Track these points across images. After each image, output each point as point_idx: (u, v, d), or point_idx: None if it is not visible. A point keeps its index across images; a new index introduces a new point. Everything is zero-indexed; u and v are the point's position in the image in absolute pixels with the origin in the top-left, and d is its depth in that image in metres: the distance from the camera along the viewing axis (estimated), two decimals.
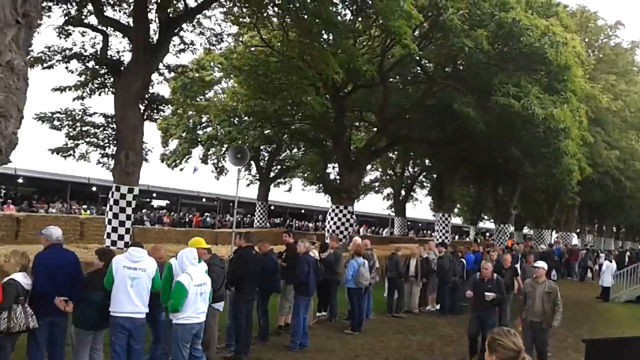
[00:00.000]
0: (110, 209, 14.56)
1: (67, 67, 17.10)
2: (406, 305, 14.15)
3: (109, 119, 17.37)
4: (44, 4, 14.47)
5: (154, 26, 15.79)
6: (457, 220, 51.72)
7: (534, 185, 30.42)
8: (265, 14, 18.51)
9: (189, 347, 6.71)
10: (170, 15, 15.83)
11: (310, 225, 48.02)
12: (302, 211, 53.01)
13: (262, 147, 32.20)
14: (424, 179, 43.04)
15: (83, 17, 16.30)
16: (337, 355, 9.46)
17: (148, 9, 15.23)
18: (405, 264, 14.20)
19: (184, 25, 17.37)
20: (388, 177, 42.15)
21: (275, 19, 19.27)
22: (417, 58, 20.04)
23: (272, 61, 20.20)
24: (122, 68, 15.78)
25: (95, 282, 6.58)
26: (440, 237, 27.73)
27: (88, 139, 17.74)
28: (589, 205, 41.06)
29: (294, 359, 9.09)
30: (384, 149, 27.15)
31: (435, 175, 35.02)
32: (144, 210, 35.80)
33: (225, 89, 28.11)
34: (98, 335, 6.66)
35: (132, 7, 15.88)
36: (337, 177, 26.73)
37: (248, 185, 37.95)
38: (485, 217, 50.82)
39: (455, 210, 44.30)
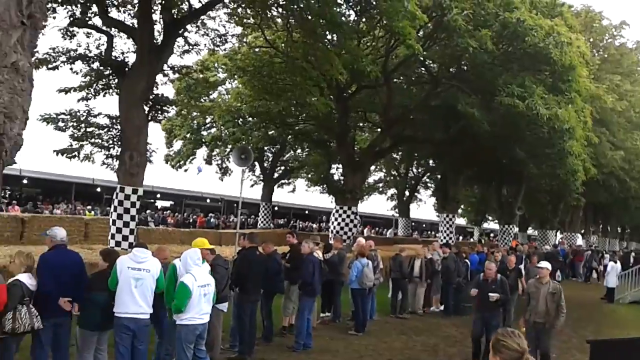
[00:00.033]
0: (115, 210, 14.58)
1: (71, 68, 17.15)
2: (410, 306, 14.13)
3: (114, 120, 17.41)
4: (49, 5, 14.50)
5: (158, 27, 15.86)
6: (461, 221, 51.70)
7: (539, 186, 30.37)
8: (269, 15, 18.51)
9: (193, 348, 6.72)
10: (175, 16, 15.86)
11: (314, 226, 47.99)
12: (306, 212, 53.02)
13: (266, 148, 32.25)
14: (428, 180, 43.01)
15: (88, 18, 16.33)
16: (340, 356, 9.46)
17: (152, 10, 15.25)
18: (410, 264, 14.19)
19: (189, 26, 17.38)
20: (392, 177, 42.17)
21: (279, 20, 19.27)
22: (421, 58, 20.02)
23: (276, 62, 20.21)
24: (127, 69, 15.81)
25: (99, 283, 6.60)
26: (445, 237, 27.64)
27: (92, 140, 17.77)
28: (593, 205, 40.98)
29: (297, 359, 9.10)
30: (388, 149, 27.10)
31: (439, 176, 34.99)
32: (148, 211, 35.82)
33: (230, 89, 28.13)
34: (102, 335, 6.67)
35: (136, 8, 15.90)
36: (341, 178, 26.74)
37: (252, 186, 38.03)
38: (490, 218, 50.72)
39: (460, 211, 44.36)
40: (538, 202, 37.33)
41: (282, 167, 36.49)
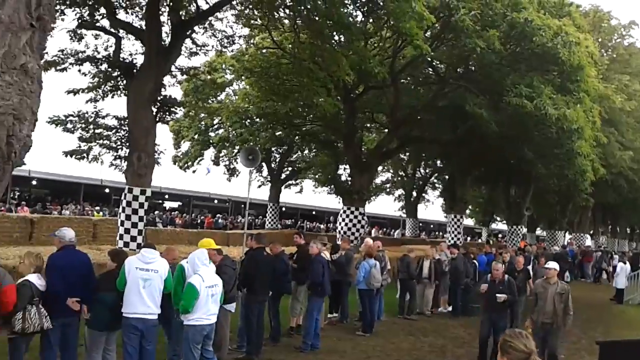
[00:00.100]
0: (123, 211, 14.64)
1: (80, 70, 17.28)
2: (418, 307, 14.11)
3: (122, 122, 17.49)
4: (58, 7, 14.60)
5: (166, 29, 15.92)
6: (469, 222, 51.53)
7: (547, 186, 30.19)
8: (276, 16, 18.55)
9: (200, 348, 6.74)
10: (183, 18, 15.92)
11: (322, 226, 47.98)
12: (314, 212, 53.04)
13: (273, 149, 32.28)
14: (435, 180, 42.91)
15: (96, 20, 16.42)
16: (348, 357, 9.46)
17: (160, 12, 15.32)
18: (419, 265, 14.17)
19: (196, 28, 17.45)
20: (399, 178, 42.09)
21: (286, 21, 19.31)
22: (429, 59, 20.00)
23: (284, 63, 20.23)
24: (135, 70, 15.88)
25: (107, 283, 6.63)
26: (452, 238, 27.55)
27: (101, 142, 17.88)
28: (602, 206, 40.73)
29: None
30: (395, 150, 27.07)
31: (447, 176, 34.93)
32: (156, 212, 35.96)
33: (237, 90, 28.17)
34: (111, 336, 6.70)
35: (144, 9, 15.98)
36: (348, 179, 26.70)
37: (259, 186, 38.06)
38: (498, 219, 50.55)
39: (467, 211, 44.21)
40: (546, 203, 37.16)
41: (290, 168, 36.50)
